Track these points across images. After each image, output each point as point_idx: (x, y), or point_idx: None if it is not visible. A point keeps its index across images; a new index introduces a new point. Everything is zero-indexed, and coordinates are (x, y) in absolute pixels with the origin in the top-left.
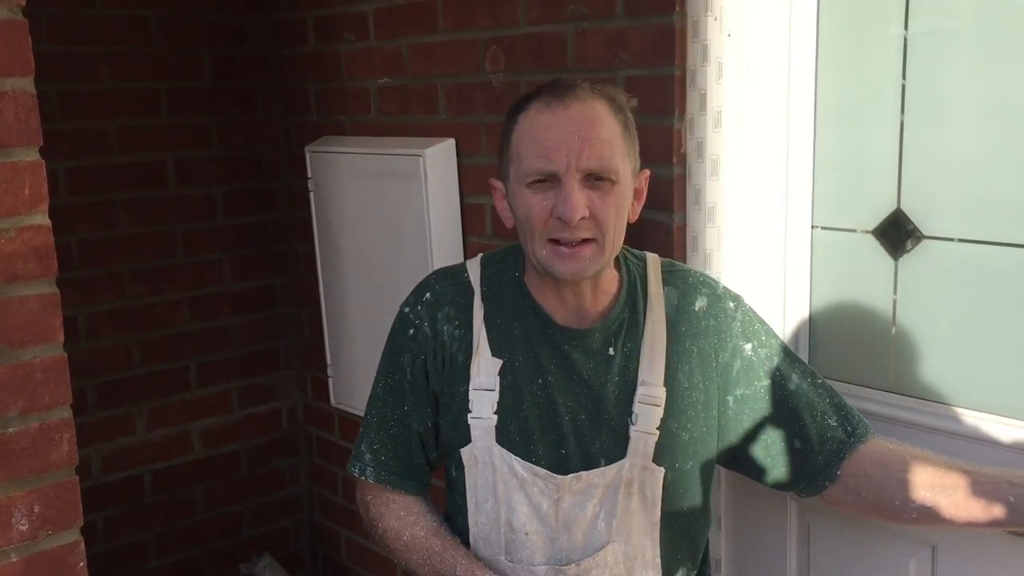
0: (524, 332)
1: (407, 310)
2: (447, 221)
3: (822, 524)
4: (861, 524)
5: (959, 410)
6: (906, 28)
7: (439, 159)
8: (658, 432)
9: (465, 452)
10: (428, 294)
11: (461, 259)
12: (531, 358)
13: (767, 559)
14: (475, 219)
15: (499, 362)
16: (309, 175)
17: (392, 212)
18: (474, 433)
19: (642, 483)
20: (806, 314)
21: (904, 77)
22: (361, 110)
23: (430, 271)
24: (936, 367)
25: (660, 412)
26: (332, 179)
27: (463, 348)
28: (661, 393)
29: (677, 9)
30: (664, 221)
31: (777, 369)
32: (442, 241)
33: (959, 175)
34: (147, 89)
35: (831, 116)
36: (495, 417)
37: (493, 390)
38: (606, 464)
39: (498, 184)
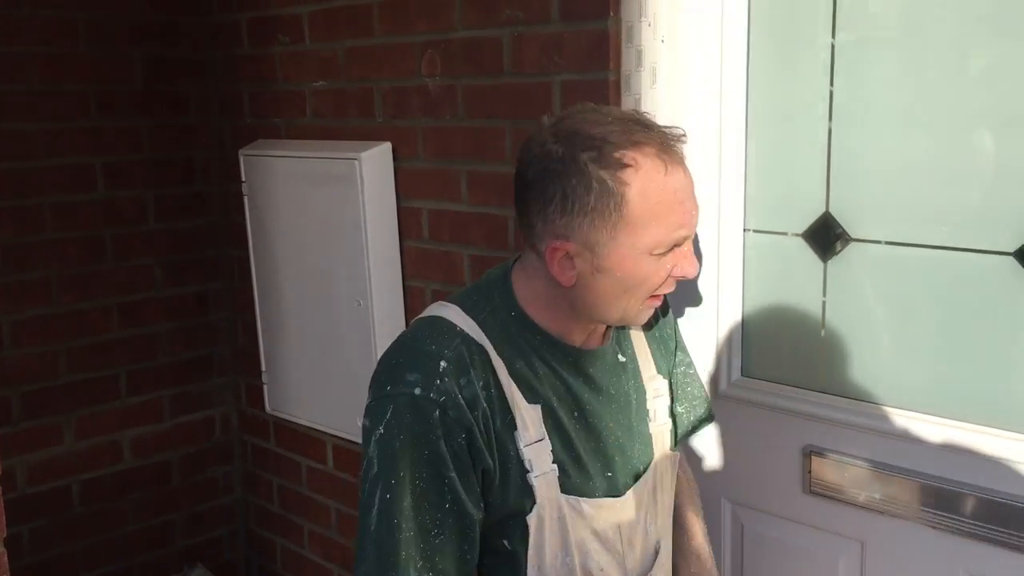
0: (548, 368)
1: (419, 392)
2: (383, 225)
3: (755, 523)
4: (792, 523)
5: (889, 410)
6: (834, 37)
7: (375, 163)
8: (670, 420)
9: (532, 517)
10: (441, 363)
11: (398, 264)
12: (563, 392)
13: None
14: (412, 223)
15: (537, 407)
16: (243, 179)
17: (328, 216)
18: (539, 493)
19: (665, 474)
20: (739, 316)
21: (832, 84)
22: (296, 113)
23: (366, 276)
24: (865, 367)
25: (668, 401)
26: (267, 183)
27: (499, 408)
28: (665, 383)
29: (612, 14)
30: None
31: (683, 359)
32: (378, 245)
33: (885, 179)
34: (76, 91)
35: (762, 121)
36: (555, 467)
37: (543, 439)
38: (644, 470)
39: (568, 246)
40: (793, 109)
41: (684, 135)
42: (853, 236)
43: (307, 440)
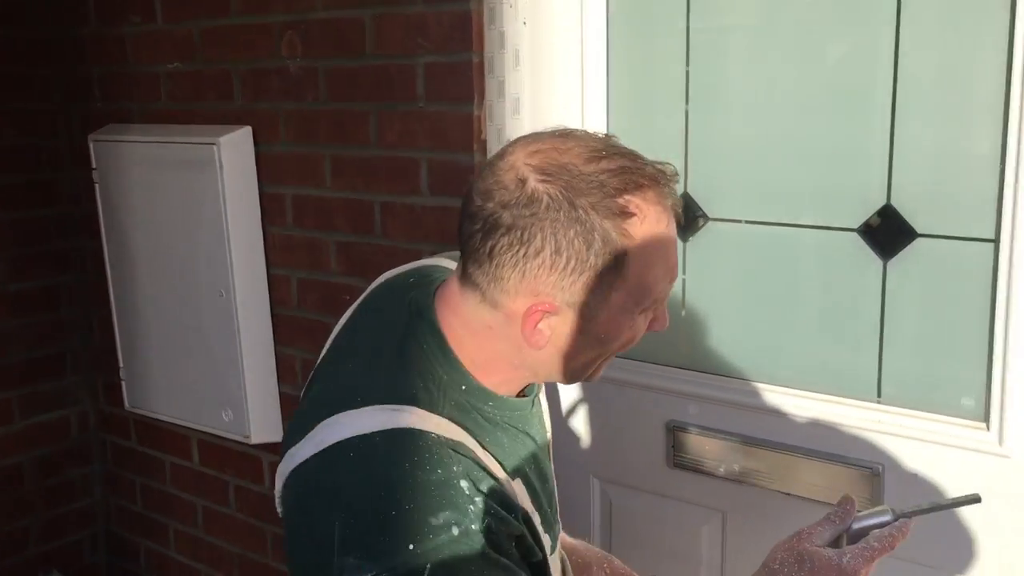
0: (506, 434)
1: (458, 531)
2: (245, 212)
3: (623, 498)
4: (657, 496)
5: (746, 383)
6: (689, 21)
7: (235, 147)
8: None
9: None
10: (462, 484)
11: (261, 252)
12: (524, 452)
13: (572, 532)
14: (275, 210)
15: (519, 481)
16: (94, 166)
17: (186, 204)
18: (553, 570)
19: None
20: None
21: (688, 66)
22: (150, 96)
23: (228, 265)
24: (724, 343)
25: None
26: (119, 170)
27: (506, 498)
28: (542, 387)
29: None
30: None
31: None
32: (240, 233)
33: (740, 160)
34: None
35: (623, 103)
36: (548, 537)
37: (533, 513)
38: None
39: (552, 307)
40: (652, 91)
41: (676, 173)
42: (711, 216)
43: (170, 437)
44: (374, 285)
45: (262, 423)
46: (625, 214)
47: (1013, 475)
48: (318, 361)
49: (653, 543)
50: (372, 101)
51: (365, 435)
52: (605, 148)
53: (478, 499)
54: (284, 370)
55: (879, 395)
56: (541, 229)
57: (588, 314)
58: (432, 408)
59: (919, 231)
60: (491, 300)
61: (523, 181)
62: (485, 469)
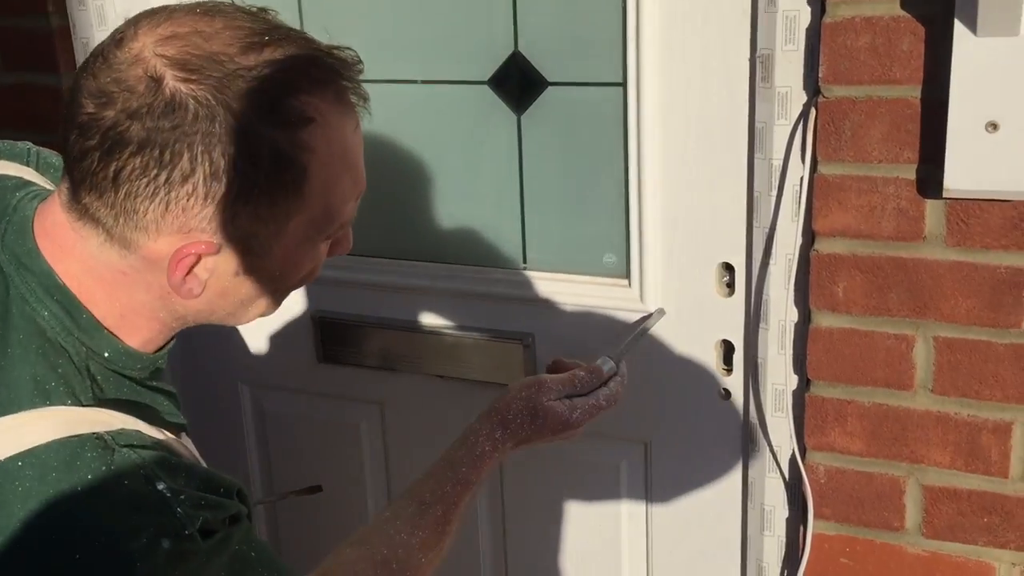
0: (156, 393)
1: (169, 544)
2: None
3: (275, 403)
4: (311, 395)
5: (395, 263)
6: None
7: None
8: None
9: None
10: (158, 487)
11: None
12: (173, 409)
13: (228, 446)
14: None
15: (188, 440)
16: None
17: None
18: None
19: None
20: None
21: None
22: None
23: None
24: (362, 216)
25: None
26: None
27: (210, 478)
28: None
29: None
30: (51, 83)
31: None
32: None
33: (360, 14)
34: None
35: None
36: None
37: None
38: None
39: (207, 247)
40: None
41: (359, 61)
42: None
43: None
44: None
45: None
46: (302, 120)
47: (654, 329)
48: None
49: (312, 446)
50: None
51: (29, 452)
52: (266, 30)
53: (183, 496)
54: None
55: (525, 261)
56: (188, 146)
57: (259, 250)
58: (78, 400)
59: (549, 79)
60: (121, 239)
61: (157, 81)
62: (172, 453)
